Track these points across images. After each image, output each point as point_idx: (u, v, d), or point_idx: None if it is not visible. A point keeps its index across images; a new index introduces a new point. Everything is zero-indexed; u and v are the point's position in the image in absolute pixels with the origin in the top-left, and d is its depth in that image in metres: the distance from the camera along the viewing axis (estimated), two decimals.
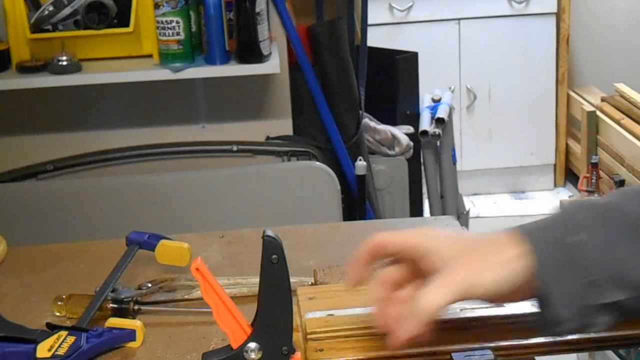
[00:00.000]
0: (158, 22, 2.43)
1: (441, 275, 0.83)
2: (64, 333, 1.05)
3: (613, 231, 0.82)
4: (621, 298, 0.81)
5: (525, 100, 4.30)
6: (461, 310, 0.97)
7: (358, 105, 2.78)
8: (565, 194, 4.40)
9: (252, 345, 0.85)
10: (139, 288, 1.20)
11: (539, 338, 0.95)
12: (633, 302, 0.82)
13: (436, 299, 0.82)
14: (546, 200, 4.35)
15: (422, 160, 3.11)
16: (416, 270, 0.87)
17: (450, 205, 3.15)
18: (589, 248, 0.81)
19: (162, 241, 1.27)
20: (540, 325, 0.84)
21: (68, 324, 1.12)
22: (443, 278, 0.83)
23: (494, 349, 0.93)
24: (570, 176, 4.45)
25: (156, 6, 2.41)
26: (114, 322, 1.09)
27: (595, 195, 3.88)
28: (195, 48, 2.49)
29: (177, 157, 2.60)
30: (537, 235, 0.84)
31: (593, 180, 3.94)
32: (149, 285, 1.21)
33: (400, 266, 0.89)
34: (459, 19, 4.17)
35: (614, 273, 0.81)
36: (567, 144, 4.39)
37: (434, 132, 3.03)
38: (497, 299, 0.85)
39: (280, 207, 2.53)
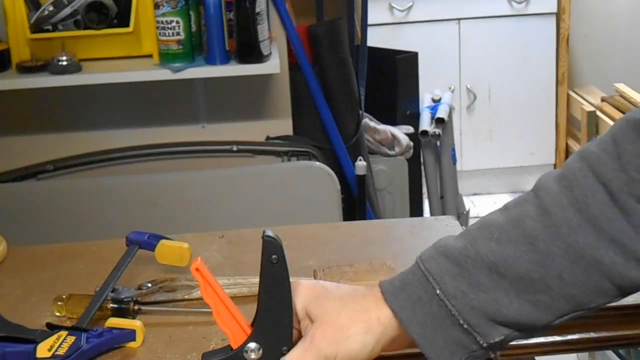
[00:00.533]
0: (158, 22, 2.42)
1: (302, 343, 0.84)
2: (64, 333, 1.05)
3: (475, 275, 0.81)
4: (504, 336, 0.81)
5: (525, 100, 4.29)
6: None
7: (358, 105, 2.78)
8: None
9: (252, 345, 0.85)
10: (139, 288, 1.20)
11: (539, 338, 0.95)
12: (517, 336, 0.82)
13: None
14: None
15: (422, 160, 3.10)
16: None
17: (450, 205, 3.15)
18: (457, 296, 0.81)
19: (162, 241, 1.27)
20: None
21: (68, 324, 1.12)
22: (303, 347, 0.84)
23: None
24: None
25: (156, 6, 2.41)
26: (114, 322, 1.09)
27: None
28: (195, 48, 2.49)
29: (177, 157, 2.60)
30: (400, 296, 0.83)
31: None
32: (149, 285, 1.21)
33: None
34: (459, 19, 4.17)
35: (491, 314, 0.80)
36: (567, 144, 4.38)
37: (434, 132, 3.03)
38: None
39: (280, 207, 2.53)
